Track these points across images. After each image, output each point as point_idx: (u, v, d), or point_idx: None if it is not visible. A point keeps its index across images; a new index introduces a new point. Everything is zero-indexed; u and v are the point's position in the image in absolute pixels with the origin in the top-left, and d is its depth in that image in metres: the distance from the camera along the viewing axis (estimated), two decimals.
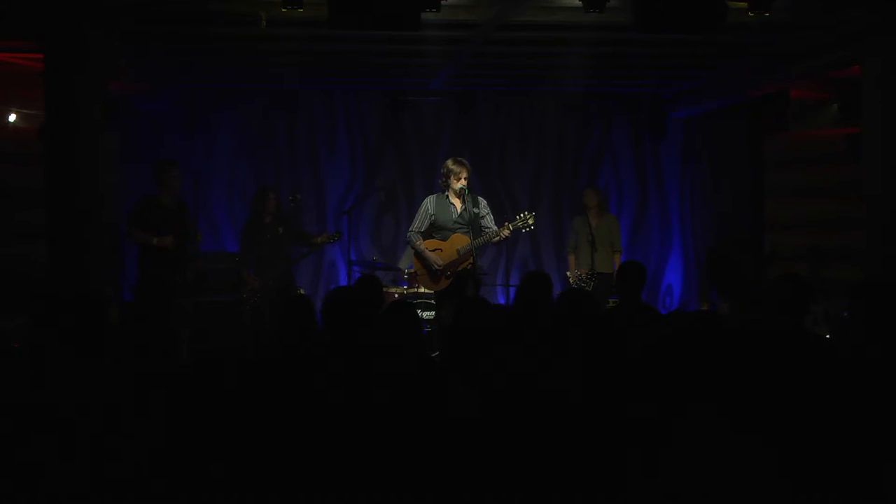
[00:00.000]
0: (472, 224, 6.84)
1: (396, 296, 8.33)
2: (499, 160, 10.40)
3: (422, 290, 8.18)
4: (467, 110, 10.08)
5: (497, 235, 6.81)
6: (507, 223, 6.87)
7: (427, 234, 7.04)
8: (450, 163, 6.97)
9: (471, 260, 6.89)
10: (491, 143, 10.39)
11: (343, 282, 9.58)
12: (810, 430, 3.00)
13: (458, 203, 6.94)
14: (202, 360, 2.80)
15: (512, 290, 7.75)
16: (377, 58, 8.13)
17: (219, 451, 2.61)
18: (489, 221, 6.97)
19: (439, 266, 6.84)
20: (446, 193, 6.98)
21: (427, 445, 2.93)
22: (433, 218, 6.96)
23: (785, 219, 9.14)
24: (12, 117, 8.15)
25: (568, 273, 8.78)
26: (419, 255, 6.98)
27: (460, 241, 6.87)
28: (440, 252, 6.90)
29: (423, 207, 7.06)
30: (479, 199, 7.04)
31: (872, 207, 6.73)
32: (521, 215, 6.95)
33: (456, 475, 2.85)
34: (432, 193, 7.22)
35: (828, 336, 7.70)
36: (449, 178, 6.92)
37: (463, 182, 6.87)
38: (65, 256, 6.30)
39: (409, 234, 7.07)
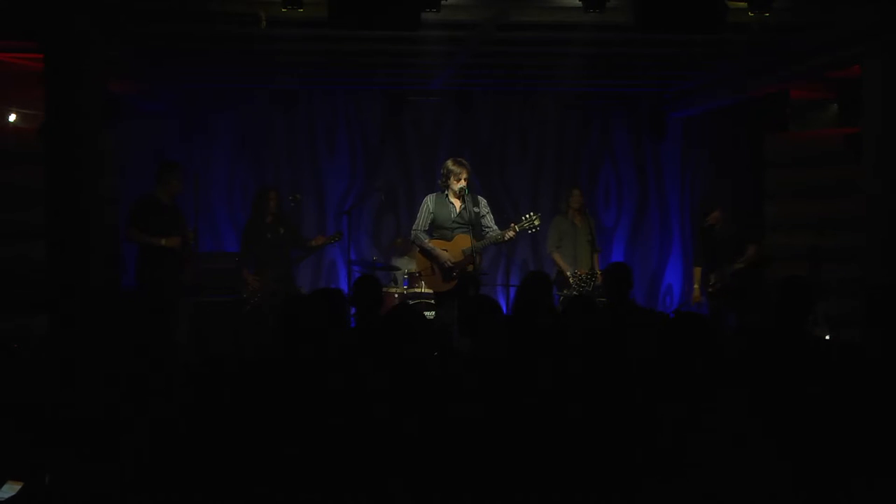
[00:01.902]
0: (472, 224, 6.86)
1: (396, 296, 8.33)
2: (499, 160, 10.40)
3: (421, 290, 8.18)
4: (467, 110, 10.07)
5: (502, 236, 6.83)
6: (512, 224, 6.89)
7: (428, 234, 7.07)
8: (450, 163, 6.99)
9: (477, 261, 6.91)
10: (491, 143, 10.38)
11: (343, 282, 9.58)
12: (814, 431, 3.00)
13: (457, 203, 6.96)
14: (202, 360, 2.80)
15: (512, 291, 7.77)
16: (377, 58, 8.12)
17: (218, 451, 2.61)
18: (490, 221, 7.00)
19: (451, 264, 6.85)
20: (446, 193, 7.01)
21: (429, 445, 2.93)
22: (433, 217, 6.99)
23: (785, 219, 9.13)
24: (12, 117, 8.16)
25: (568, 270, 8.72)
26: (427, 254, 6.97)
27: (464, 241, 6.90)
28: (446, 252, 6.94)
29: (423, 206, 7.09)
30: (480, 198, 7.06)
31: (872, 207, 6.73)
32: (528, 216, 6.95)
33: (458, 476, 2.85)
34: (432, 192, 7.25)
35: (827, 336, 7.70)
36: (449, 178, 6.95)
37: (463, 182, 6.89)
38: (65, 256, 6.29)
39: (413, 232, 7.07)
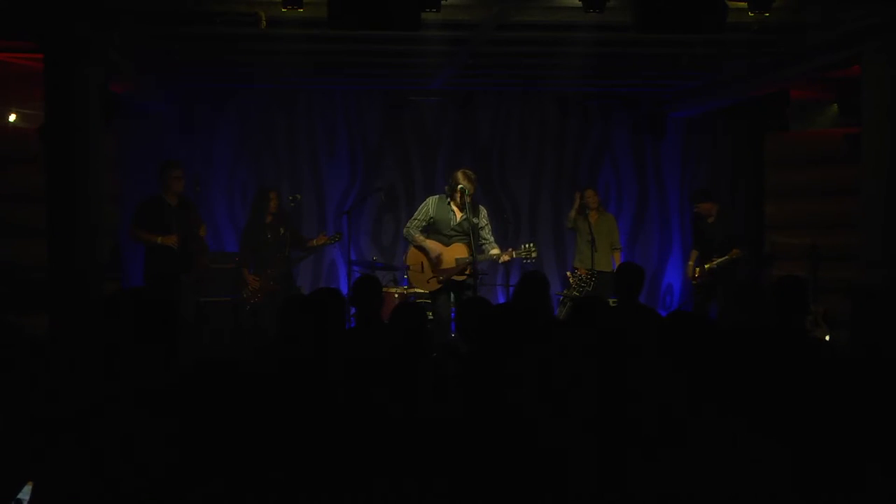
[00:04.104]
0: (470, 234, 6.97)
1: (396, 296, 8.34)
2: (499, 160, 10.40)
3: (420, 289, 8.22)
4: (467, 110, 10.08)
5: (498, 257, 7.01)
6: (510, 249, 7.10)
7: (424, 234, 7.17)
8: (461, 177, 7.06)
9: (468, 272, 7.02)
10: (491, 143, 10.38)
11: (343, 282, 9.58)
12: (811, 430, 3.00)
13: (458, 213, 7.06)
14: (203, 362, 2.80)
15: (511, 291, 7.80)
16: (377, 58, 8.13)
17: (216, 453, 2.61)
18: (487, 233, 7.16)
19: (437, 254, 6.97)
20: (448, 200, 7.10)
21: (428, 446, 2.93)
22: (431, 220, 7.09)
23: (785, 219, 9.14)
24: (12, 117, 8.16)
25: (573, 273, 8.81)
26: (419, 248, 7.09)
27: (460, 251, 7.02)
28: (440, 256, 7.02)
29: (424, 206, 7.18)
30: (481, 208, 7.19)
31: (871, 207, 6.73)
32: (526, 246, 7.15)
33: (458, 476, 2.85)
34: (434, 194, 7.31)
35: (828, 337, 7.70)
36: (454, 190, 7.02)
37: (468, 199, 7.01)
38: (65, 256, 6.30)
39: (407, 227, 7.20)
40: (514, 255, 7.04)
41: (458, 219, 7.05)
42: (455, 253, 7.02)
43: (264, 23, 6.27)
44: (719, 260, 8.41)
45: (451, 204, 7.09)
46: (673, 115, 10.34)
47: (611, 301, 8.15)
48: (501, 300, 9.58)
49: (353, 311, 4.97)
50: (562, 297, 8.32)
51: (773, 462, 2.73)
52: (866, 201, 6.78)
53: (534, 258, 7.13)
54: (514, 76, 9.26)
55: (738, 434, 2.78)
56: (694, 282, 8.78)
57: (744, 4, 5.97)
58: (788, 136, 9.40)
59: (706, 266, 8.53)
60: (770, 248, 9.21)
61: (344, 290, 8.92)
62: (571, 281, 8.34)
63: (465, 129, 10.27)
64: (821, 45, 7.24)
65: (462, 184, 6.97)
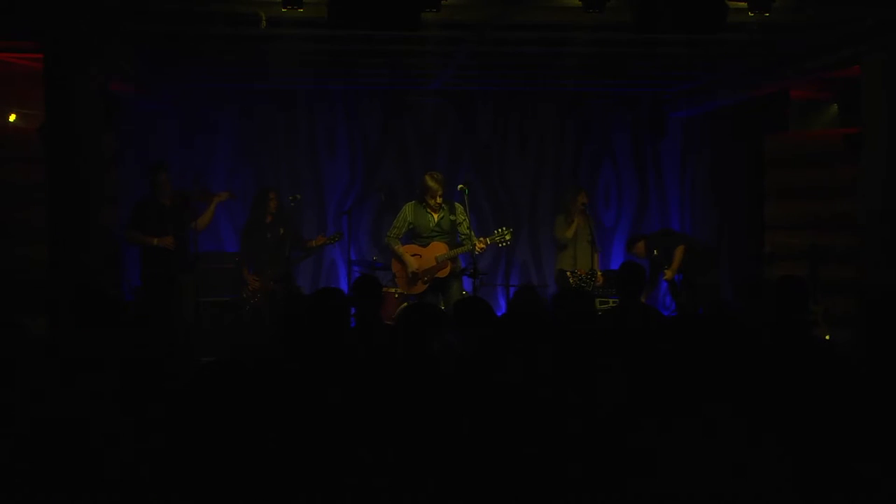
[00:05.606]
0: (450, 232, 7.13)
1: (396, 296, 8.34)
2: (499, 160, 10.40)
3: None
4: (467, 110, 10.08)
5: (473, 248, 7.07)
6: (482, 237, 7.16)
7: (407, 239, 7.32)
8: (428, 180, 7.26)
9: (449, 268, 7.14)
10: (491, 143, 10.38)
11: (343, 282, 9.58)
12: (812, 429, 3.00)
13: (435, 214, 7.20)
14: (203, 363, 2.80)
15: (512, 290, 7.84)
16: (377, 58, 8.13)
17: (216, 455, 2.61)
18: (465, 228, 7.26)
19: (414, 270, 7.10)
20: (424, 204, 7.24)
21: (429, 444, 2.93)
22: (411, 226, 7.27)
23: (785, 219, 9.13)
24: (12, 117, 8.16)
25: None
26: (398, 259, 7.22)
27: (439, 249, 7.17)
28: (419, 258, 7.18)
29: (401, 214, 7.39)
30: (456, 205, 7.29)
31: (871, 207, 6.73)
32: (499, 230, 7.26)
33: (458, 476, 2.85)
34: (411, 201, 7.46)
35: (828, 336, 7.70)
36: (425, 194, 7.20)
37: (439, 200, 7.12)
38: (65, 256, 6.30)
39: (388, 237, 7.36)
40: (489, 242, 7.16)
41: (436, 219, 7.21)
42: (434, 252, 7.22)
43: (264, 23, 6.28)
44: (672, 268, 8.67)
45: (427, 207, 7.23)
46: (673, 115, 10.34)
47: (611, 301, 8.21)
48: (501, 300, 9.59)
49: (352, 311, 4.97)
50: None
51: (773, 462, 2.73)
52: (866, 201, 6.78)
53: (508, 241, 7.22)
54: (514, 76, 9.26)
55: (738, 433, 2.78)
56: (644, 298, 8.91)
57: (744, 4, 5.97)
58: (788, 136, 9.40)
59: (666, 280, 8.79)
60: (770, 247, 9.20)
61: (344, 290, 8.93)
62: (572, 281, 8.33)
63: (465, 129, 10.26)
64: (821, 45, 7.25)
65: (430, 186, 7.13)
